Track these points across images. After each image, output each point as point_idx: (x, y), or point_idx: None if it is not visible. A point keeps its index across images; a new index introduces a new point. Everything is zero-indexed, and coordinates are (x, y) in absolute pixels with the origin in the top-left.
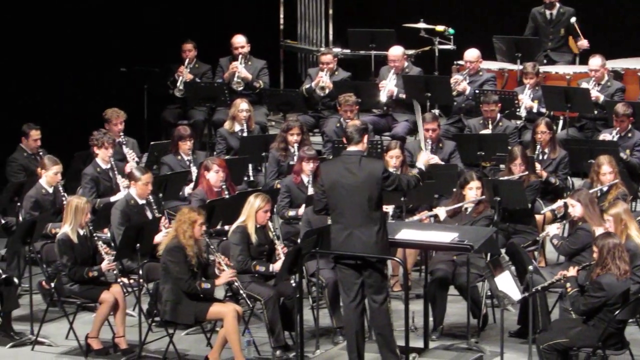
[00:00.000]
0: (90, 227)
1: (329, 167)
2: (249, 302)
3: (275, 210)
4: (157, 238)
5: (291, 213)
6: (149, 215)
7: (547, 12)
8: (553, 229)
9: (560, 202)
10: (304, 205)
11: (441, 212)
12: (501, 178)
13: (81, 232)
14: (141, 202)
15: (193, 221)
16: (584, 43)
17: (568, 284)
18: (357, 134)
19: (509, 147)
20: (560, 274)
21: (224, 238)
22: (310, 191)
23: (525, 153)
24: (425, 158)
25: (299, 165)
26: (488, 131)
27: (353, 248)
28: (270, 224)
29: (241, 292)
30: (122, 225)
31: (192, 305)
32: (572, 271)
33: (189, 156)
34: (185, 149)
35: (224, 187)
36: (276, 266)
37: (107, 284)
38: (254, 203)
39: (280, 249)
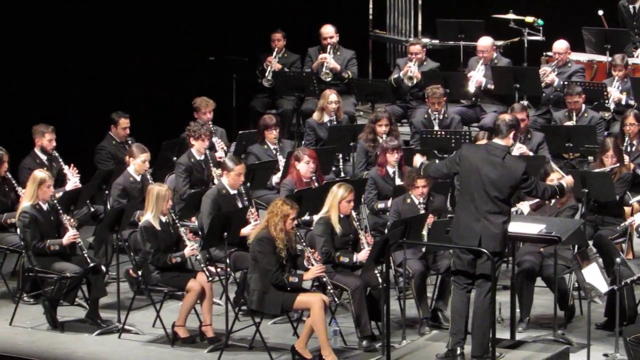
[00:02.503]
0: (173, 214)
1: (471, 152)
2: (335, 298)
3: (362, 200)
4: (246, 230)
5: (380, 205)
6: (240, 205)
7: (630, 7)
8: (639, 218)
9: None
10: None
11: (525, 207)
12: (592, 170)
13: (163, 219)
14: (232, 192)
15: (285, 215)
16: None
17: None
18: (505, 128)
19: (598, 139)
20: None
21: (311, 228)
22: (398, 182)
23: (617, 145)
24: (570, 180)
25: (383, 157)
26: (572, 123)
27: (475, 234)
28: (354, 213)
29: (328, 287)
30: (212, 215)
31: (279, 295)
32: None
33: (275, 145)
34: (271, 138)
35: (313, 178)
36: (360, 256)
37: (193, 272)
38: (337, 193)
39: (365, 239)
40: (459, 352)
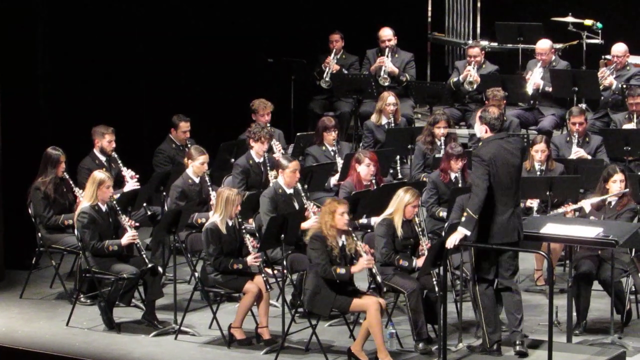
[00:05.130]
0: (240, 219)
1: (494, 148)
2: (403, 291)
3: (421, 203)
4: (306, 224)
5: (443, 214)
6: (296, 205)
7: None
8: None
9: None
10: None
11: (586, 205)
12: None
13: (230, 223)
14: (289, 191)
15: (332, 211)
16: None
17: None
18: (499, 123)
19: None
20: None
21: (369, 230)
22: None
23: None
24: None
25: (446, 164)
26: (632, 125)
27: (517, 227)
28: (417, 218)
29: (380, 282)
30: (271, 213)
31: (331, 297)
32: None
33: (333, 147)
34: (329, 140)
35: (373, 181)
36: (420, 262)
37: (251, 274)
38: (404, 197)
39: (425, 245)
40: (495, 347)
